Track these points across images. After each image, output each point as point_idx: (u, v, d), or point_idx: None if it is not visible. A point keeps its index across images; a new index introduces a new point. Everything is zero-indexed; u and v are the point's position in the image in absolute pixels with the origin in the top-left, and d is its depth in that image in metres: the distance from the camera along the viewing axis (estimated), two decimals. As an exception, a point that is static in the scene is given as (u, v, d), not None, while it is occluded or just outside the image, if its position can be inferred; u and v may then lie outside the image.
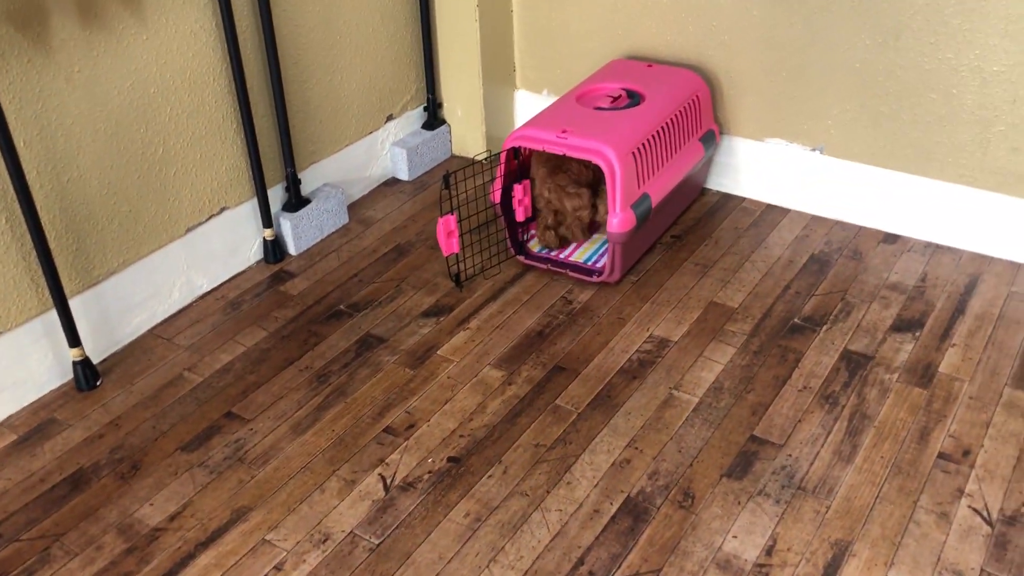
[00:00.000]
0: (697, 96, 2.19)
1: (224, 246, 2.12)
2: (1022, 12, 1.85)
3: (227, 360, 1.93)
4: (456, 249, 2.01)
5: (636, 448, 1.67)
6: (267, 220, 2.16)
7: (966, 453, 1.63)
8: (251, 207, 2.16)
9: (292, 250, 2.24)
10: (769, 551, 1.47)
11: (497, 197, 2.06)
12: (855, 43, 2.06)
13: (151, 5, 1.80)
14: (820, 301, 2.01)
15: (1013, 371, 1.80)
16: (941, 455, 1.63)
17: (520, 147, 2.03)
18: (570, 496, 1.58)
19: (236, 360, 1.93)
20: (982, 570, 1.42)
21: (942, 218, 2.13)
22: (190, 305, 2.09)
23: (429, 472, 1.64)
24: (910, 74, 2.03)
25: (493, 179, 2.07)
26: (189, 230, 2.04)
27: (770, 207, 2.35)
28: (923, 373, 1.80)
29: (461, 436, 1.72)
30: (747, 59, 2.22)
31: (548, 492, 1.59)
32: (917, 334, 1.90)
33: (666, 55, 2.33)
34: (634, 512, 1.55)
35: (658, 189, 2.05)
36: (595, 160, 1.92)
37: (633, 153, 1.96)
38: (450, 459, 1.67)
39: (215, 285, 2.14)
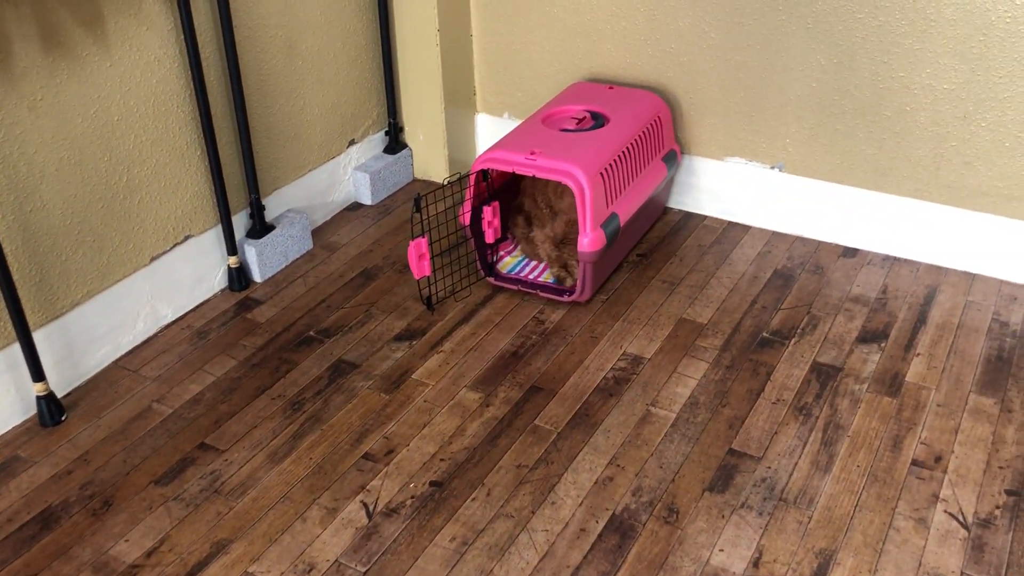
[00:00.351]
0: (659, 117, 2.23)
1: (189, 275, 2.08)
2: (970, 32, 1.93)
3: (197, 390, 1.89)
4: (427, 272, 2.01)
5: (618, 465, 1.68)
6: (232, 247, 2.13)
7: (938, 459, 1.67)
8: (215, 235, 2.13)
9: (257, 277, 2.21)
10: (756, 563, 1.49)
11: (467, 220, 2.07)
12: (811, 63, 2.12)
13: (114, 31, 1.78)
14: (787, 315, 2.05)
15: (976, 378, 1.85)
16: (915, 462, 1.66)
17: (489, 169, 2.04)
18: (555, 516, 1.58)
19: (206, 390, 1.89)
20: (962, 573, 1.46)
21: (899, 232, 2.19)
22: (155, 335, 2.05)
23: (412, 497, 1.63)
24: (865, 93, 2.09)
25: (461, 202, 2.07)
26: (154, 259, 2.00)
27: (731, 224, 2.39)
28: (891, 383, 1.85)
29: (442, 460, 1.71)
30: (706, 80, 2.26)
31: (533, 513, 1.59)
32: (882, 345, 1.95)
33: (626, 77, 2.37)
34: (620, 529, 1.55)
35: (625, 208, 2.08)
36: (565, 181, 1.94)
37: (601, 173, 1.98)
38: (432, 483, 1.66)
39: (180, 314, 2.10)
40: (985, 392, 1.81)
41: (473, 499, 1.62)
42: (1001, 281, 2.12)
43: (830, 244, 2.29)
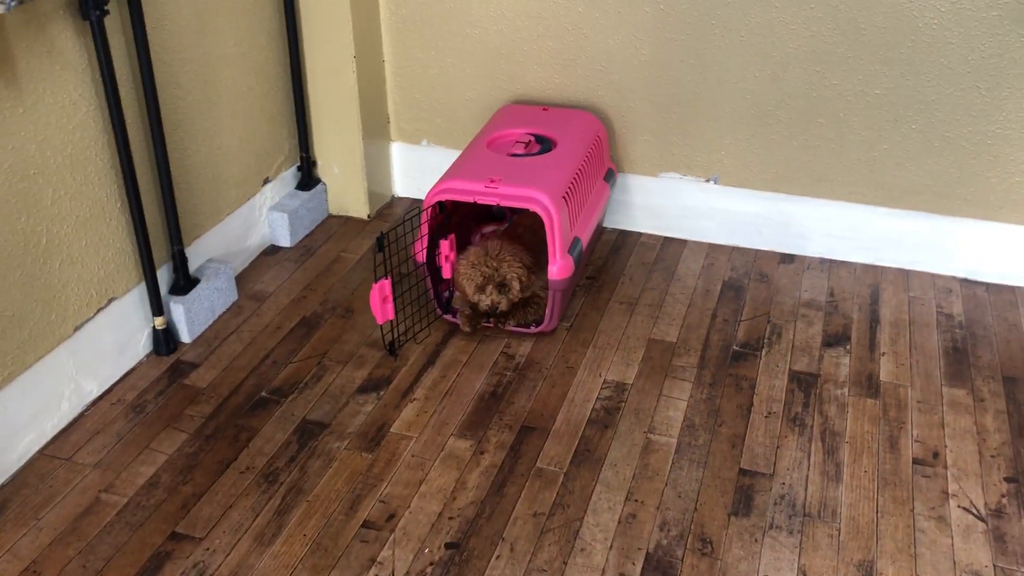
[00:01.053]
0: (599, 136, 2.19)
1: (113, 342, 1.85)
2: (899, 39, 2.00)
3: (150, 472, 1.67)
4: (391, 315, 1.87)
5: (636, 500, 1.61)
6: (157, 307, 1.91)
7: (935, 455, 1.70)
8: (139, 295, 1.90)
9: (185, 337, 1.99)
10: (803, 584, 1.46)
11: (423, 257, 1.94)
12: (745, 75, 2.14)
13: (26, 73, 1.54)
14: (749, 326, 2.05)
15: (942, 371, 1.91)
16: (916, 461, 1.69)
17: (445, 201, 1.93)
18: (589, 564, 1.49)
19: (161, 471, 1.67)
20: (995, 566, 1.49)
21: (835, 235, 2.25)
22: (83, 415, 1.79)
23: (431, 564, 1.49)
24: (799, 101, 2.13)
25: (415, 239, 1.95)
26: (77, 329, 1.75)
27: (668, 240, 2.38)
28: (868, 384, 1.88)
29: (451, 518, 1.58)
30: (639, 97, 2.25)
31: (565, 563, 1.49)
32: (848, 347, 1.98)
33: (555, 99, 2.32)
34: (660, 568, 1.48)
35: (584, 231, 2.02)
36: (531, 208, 1.86)
37: (564, 197, 1.91)
38: (448, 545, 1.53)
39: (107, 388, 1.86)
40: (955, 384, 1.88)
41: (497, 557, 1.50)
42: (934, 275, 2.22)
43: (767, 252, 2.32)
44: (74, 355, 1.75)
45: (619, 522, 1.57)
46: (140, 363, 1.93)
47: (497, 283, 1.90)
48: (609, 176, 2.25)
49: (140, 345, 1.93)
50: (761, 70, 2.12)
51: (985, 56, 1.97)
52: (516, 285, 1.90)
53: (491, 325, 1.99)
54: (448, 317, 2.04)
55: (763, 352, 1.97)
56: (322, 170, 2.44)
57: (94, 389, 1.82)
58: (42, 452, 1.71)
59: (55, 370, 1.72)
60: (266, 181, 2.30)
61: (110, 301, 1.82)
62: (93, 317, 1.79)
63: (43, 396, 1.70)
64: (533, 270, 1.94)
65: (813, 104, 2.13)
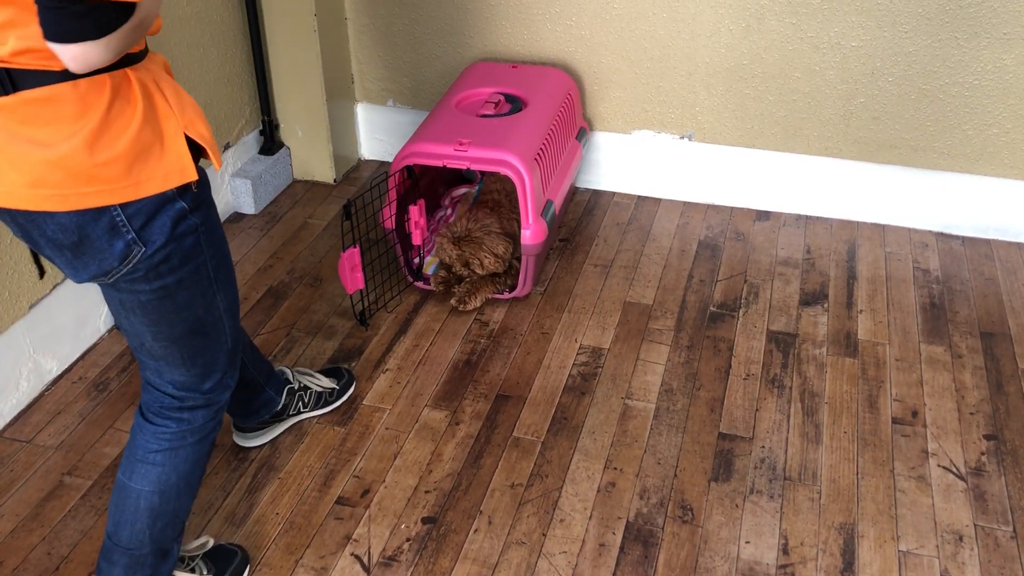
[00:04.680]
0: (570, 94, 2.13)
1: (71, 319, 1.78)
2: (875, -11, 1.96)
3: (115, 453, 1.62)
4: (361, 284, 1.82)
5: (615, 468, 1.58)
6: (117, 280, 1.84)
7: (915, 414, 1.69)
8: (97, 268, 1.83)
9: (148, 311, 1.92)
10: (784, 549, 1.44)
11: (391, 223, 1.89)
12: (719, 29, 2.08)
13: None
14: (726, 286, 2.02)
15: (920, 327, 1.90)
16: (895, 420, 1.68)
17: (414, 164, 1.87)
18: (568, 535, 1.47)
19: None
20: (976, 526, 1.48)
21: (811, 190, 2.22)
22: (43, 395, 1.73)
23: (407, 540, 1.46)
24: (774, 55, 2.08)
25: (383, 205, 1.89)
26: (32, 306, 1.69)
27: (641, 199, 2.34)
28: (846, 343, 1.86)
29: (427, 492, 1.55)
30: (610, 53, 2.18)
31: (544, 535, 1.47)
32: (825, 306, 1.96)
33: (525, 55, 2.25)
34: (640, 537, 1.46)
35: (557, 194, 1.97)
36: (502, 171, 1.80)
37: (535, 159, 1.86)
38: (425, 520, 1.50)
39: (67, 366, 1.79)
40: (933, 341, 1.86)
41: (475, 531, 1.48)
42: (910, 229, 2.19)
43: (743, 209, 2.29)
44: (30, 333, 1.69)
45: (598, 491, 1.54)
46: (101, 339, 1.87)
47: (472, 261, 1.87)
48: (581, 135, 2.19)
49: (101, 320, 1.86)
50: (735, 22, 2.07)
51: (963, 6, 1.92)
52: (492, 263, 1.87)
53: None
54: (419, 284, 1.99)
55: (740, 313, 1.94)
56: (285, 133, 2.36)
57: (54, 367, 1.76)
58: (1, 435, 1.65)
59: (12, 349, 1.65)
60: (227, 146, 2.22)
61: (66, 277, 1.75)
62: (49, 293, 1.72)
63: (1, 377, 1.63)
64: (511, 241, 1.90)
65: (788, 57, 2.08)
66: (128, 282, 1.08)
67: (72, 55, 0.92)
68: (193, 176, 1.05)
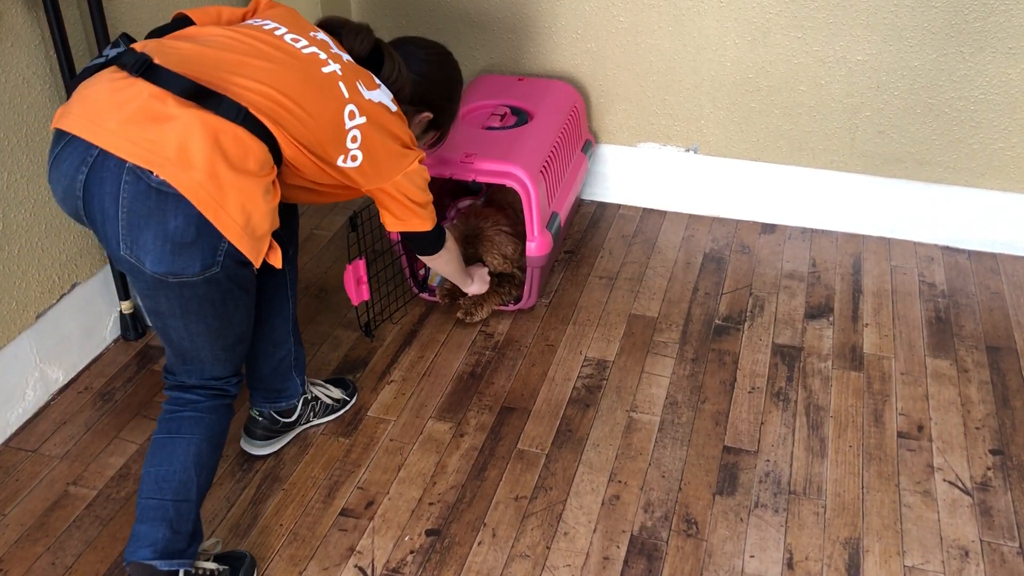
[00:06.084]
0: (576, 107, 2.13)
1: (78, 328, 1.79)
2: (881, 4, 1.96)
3: (120, 463, 1.62)
4: (367, 296, 1.81)
5: (619, 481, 1.58)
6: (123, 291, 1.85)
7: (920, 428, 1.69)
8: (103, 278, 1.83)
9: (154, 321, 1.93)
10: (789, 564, 1.44)
11: (396, 234, 1.89)
12: (725, 43, 2.09)
13: (-26, 50, 1.47)
14: (731, 299, 2.02)
15: (925, 341, 1.89)
16: (900, 434, 1.67)
17: (419, 177, 1.87)
18: (572, 548, 1.47)
19: (131, 462, 1.62)
20: (981, 541, 1.47)
21: (816, 204, 2.22)
22: (48, 405, 1.74)
23: (411, 552, 1.46)
24: (780, 68, 2.09)
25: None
26: (40, 316, 1.69)
27: (647, 211, 2.34)
28: (852, 357, 1.85)
29: (431, 504, 1.54)
30: (616, 66, 2.19)
31: (548, 548, 1.46)
32: (831, 319, 1.96)
33: (530, 68, 2.26)
34: (644, 551, 1.46)
35: (563, 206, 1.97)
36: (507, 183, 1.81)
37: (541, 171, 1.86)
38: (429, 532, 1.49)
39: (73, 376, 1.80)
40: (938, 355, 1.86)
41: (479, 543, 1.47)
42: (916, 243, 2.19)
43: (748, 222, 2.29)
44: (37, 343, 1.69)
45: (603, 504, 1.54)
46: (107, 349, 1.88)
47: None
48: (587, 147, 2.20)
49: (107, 330, 1.87)
50: (741, 36, 2.07)
51: (968, 20, 1.92)
52: (500, 264, 1.88)
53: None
54: (425, 296, 1.99)
55: (745, 326, 1.94)
56: (292, 145, 2.37)
57: (60, 377, 1.77)
58: (7, 444, 1.65)
59: (18, 359, 1.66)
60: (234, 157, 2.23)
61: (73, 286, 1.76)
62: (56, 303, 1.73)
63: (6, 386, 1.64)
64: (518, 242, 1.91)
65: (794, 71, 2.08)
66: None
67: None
68: (258, 263, 1.24)
